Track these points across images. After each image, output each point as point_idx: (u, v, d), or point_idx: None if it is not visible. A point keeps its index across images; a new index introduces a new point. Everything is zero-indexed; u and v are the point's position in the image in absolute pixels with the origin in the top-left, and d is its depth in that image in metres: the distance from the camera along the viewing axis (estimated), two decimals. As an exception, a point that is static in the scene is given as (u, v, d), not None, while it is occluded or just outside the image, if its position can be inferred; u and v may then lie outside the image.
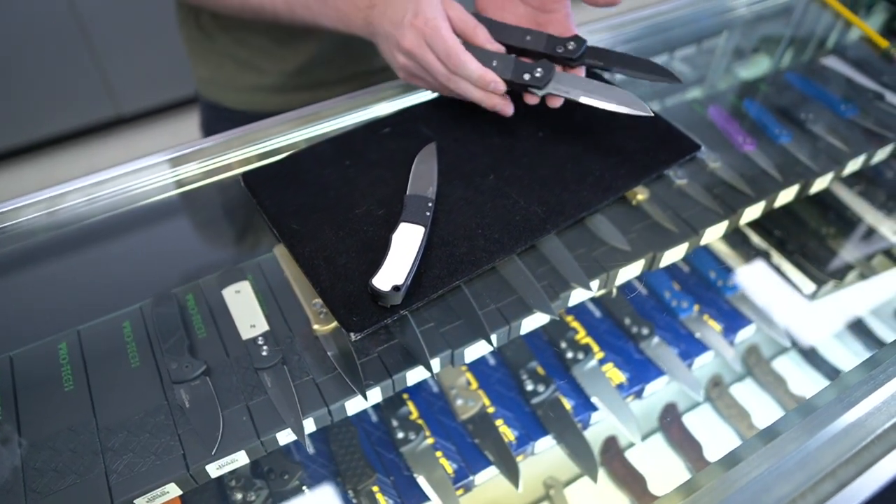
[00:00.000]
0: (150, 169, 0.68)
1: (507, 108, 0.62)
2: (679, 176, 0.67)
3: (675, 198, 0.66)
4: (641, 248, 0.61)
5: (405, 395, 0.68)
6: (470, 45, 0.61)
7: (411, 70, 0.61)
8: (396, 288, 0.49)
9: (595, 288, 0.60)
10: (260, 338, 0.54)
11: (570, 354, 0.70)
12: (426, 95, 0.73)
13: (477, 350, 0.54)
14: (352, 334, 0.51)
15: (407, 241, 0.52)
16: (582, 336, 0.73)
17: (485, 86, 0.58)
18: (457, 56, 0.57)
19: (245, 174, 0.64)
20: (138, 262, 0.65)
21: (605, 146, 0.65)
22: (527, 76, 0.60)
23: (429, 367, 0.51)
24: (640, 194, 0.64)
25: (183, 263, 0.64)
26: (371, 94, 0.73)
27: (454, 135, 0.65)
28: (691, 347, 0.73)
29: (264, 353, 0.53)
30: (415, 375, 0.53)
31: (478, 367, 0.71)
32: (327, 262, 0.55)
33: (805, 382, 0.80)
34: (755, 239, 0.87)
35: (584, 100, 0.59)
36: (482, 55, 0.60)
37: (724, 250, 0.85)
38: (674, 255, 0.63)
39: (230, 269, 0.58)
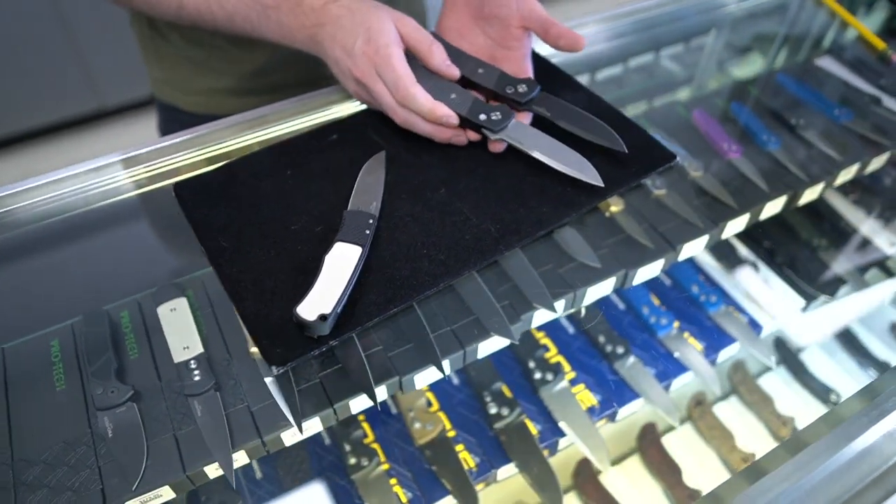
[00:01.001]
0: (93, 173, 0.64)
1: (461, 140, 0.58)
2: (657, 185, 0.62)
3: (652, 209, 0.61)
4: (613, 264, 0.57)
5: (361, 416, 0.63)
6: (428, 74, 0.57)
7: (364, 98, 0.59)
8: (323, 317, 0.44)
9: (560, 309, 0.56)
10: (192, 361, 0.49)
11: (538, 374, 0.66)
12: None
13: (428, 377, 0.50)
14: (273, 367, 0.47)
15: (341, 263, 0.47)
16: (553, 354, 0.69)
17: (435, 119, 0.54)
18: (405, 88, 0.53)
19: (177, 184, 0.59)
20: (76, 273, 0.61)
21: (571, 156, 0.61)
22: (483, 117, 0.55)
23: (373, 397, 0.47)
24: (614, 205, 0.60)
25: (123, 276, 0.60)
26: (326, 95, 0.69)
27: (406, 144, 0.59)
28: (670, 367, 0.69)
29: (196, 378, 0.48)
30: (359, 404, 0.49)
31: (440, 386, 0.67)
32: (254, 284, 0.50)
33: (794, 402, 0.76)
34: (742, 250, 0.82)
35: (536, 155, 0.56)
36: (440, 88, 0.56)
37: (708, 262, 0.81)
38: (648, 272, 0.59)
39: (166, 286, 0.54)
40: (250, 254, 0.53)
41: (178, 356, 0.50)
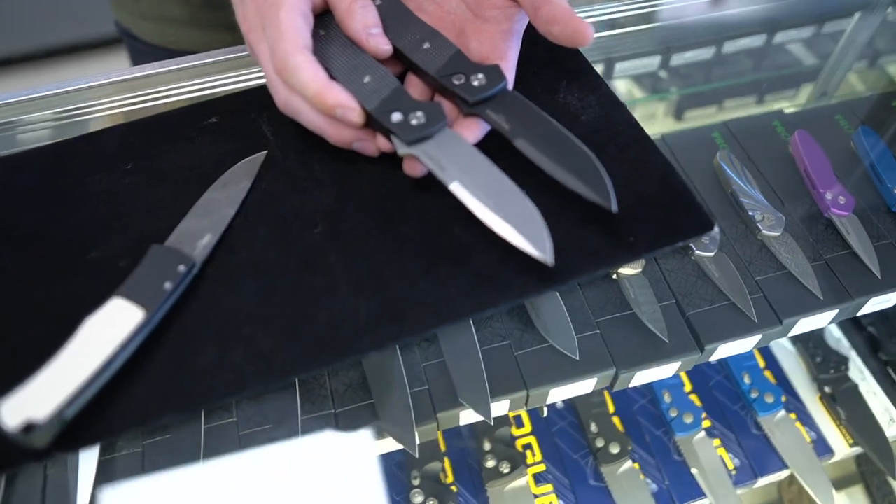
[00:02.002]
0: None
1: (368, 149, 0.37)
2: (699, 244, 0.42)
3: (684, 277, 0.42)
4: (598, 359, 0.38)
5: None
6: (346, 45, 0.37)
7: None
8: (29, 428, 0.29)
9: (503, 410, 0.38)
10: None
11: (490, 462, 0.49)
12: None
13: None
14: None
15: (103, 335, 0.30)
16: (524, 435, 0.52)
17: (324, 109, 0.35)
18: (284, 55, 0.34)
19: None
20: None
21: (542, 206, 0.34)
22: (397, 117, 0.35)
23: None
24: (627, 265, 0.41)
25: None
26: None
27: (301, 144, 0.40)
28: (681, 488, 0.50)
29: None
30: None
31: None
32: None
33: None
34: (833, 332, 0.59)
35: (456, 190, 0.34)
36: (355, 68, 0.36)
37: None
38: (652, 374, 0.40)
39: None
40: (9, 288, 0.35)
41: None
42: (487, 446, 0.50)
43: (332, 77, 0.36)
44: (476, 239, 0.34)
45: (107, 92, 0.49)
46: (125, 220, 0.37)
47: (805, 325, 0.42)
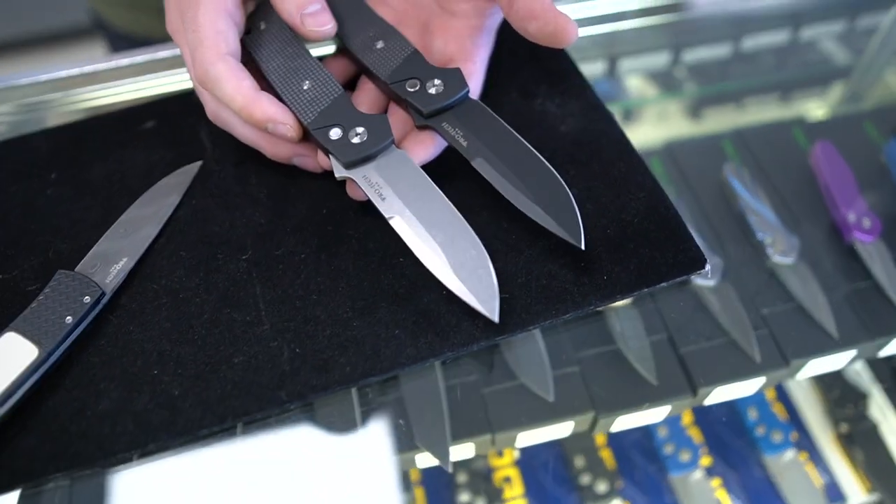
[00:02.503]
0: None
1: (309, 164, 0.33)
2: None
3: (679, 309, 0.37)
4: (576, 401, 0.34)
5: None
6: (288, 40, 0.32)
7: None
8: None
9: (467, 453, 0.34)
10: None
11: (464, 496, 0.45)
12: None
13: None
14: None
15: None
16: (503, 466, 0.48)
17: (253, 122, 0.30)
18: (203, 60, 0.29)
19: None
20: None
21: (502, 232, 0.31)
22: (335, 133, 0.30)
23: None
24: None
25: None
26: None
27: (240, 155, 0.35)
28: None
29: None
30: None
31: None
32: None
33: None
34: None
35: (396, 226, 0.29)
36: (295, 70, 0.31)
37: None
38: (638, 419, 0.36)
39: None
40: None
41: None
42: (463, 479, 0.46)
43: (268, 81, 0.32)
44: (422, 274, 0.29)
45: (66, 84, 0.45)
46: (41, 237, 0.33)
47: (816, 366, 0.37)
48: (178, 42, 0.33)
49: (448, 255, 0.28)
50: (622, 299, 0.29)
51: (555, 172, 0.29)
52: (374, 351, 0.28)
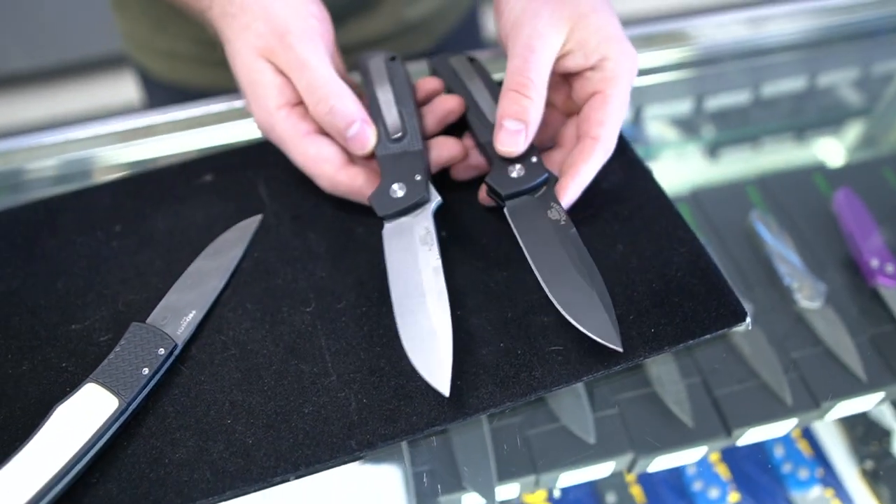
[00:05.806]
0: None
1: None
2: (732, 316, 0.39)
3: (711, 353, 0.39)
4: (616, 442, 0.36)
5: None
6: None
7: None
8: None
9: (512, 494, 0.36)
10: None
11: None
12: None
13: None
14: None
15: (74, 425, 0.28)
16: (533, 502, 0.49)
17: (338, 127, 0.34)
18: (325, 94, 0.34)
19: None
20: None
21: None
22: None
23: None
24: (650, 337, 0.38)
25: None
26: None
27: (298, 210, 0.37)
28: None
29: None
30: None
31: None
32: None
33: None
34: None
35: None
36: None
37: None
38: (675, 459, 0.37)
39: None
40: None
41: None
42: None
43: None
44: (479, 326, 0.31)
45: (113, 139, 0.47)
46: (110, 289, 0.35)
47: (846, 408, 0.38)
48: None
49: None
50: (668, 352, 0.30)
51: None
52: (438, 401, 0.30)
